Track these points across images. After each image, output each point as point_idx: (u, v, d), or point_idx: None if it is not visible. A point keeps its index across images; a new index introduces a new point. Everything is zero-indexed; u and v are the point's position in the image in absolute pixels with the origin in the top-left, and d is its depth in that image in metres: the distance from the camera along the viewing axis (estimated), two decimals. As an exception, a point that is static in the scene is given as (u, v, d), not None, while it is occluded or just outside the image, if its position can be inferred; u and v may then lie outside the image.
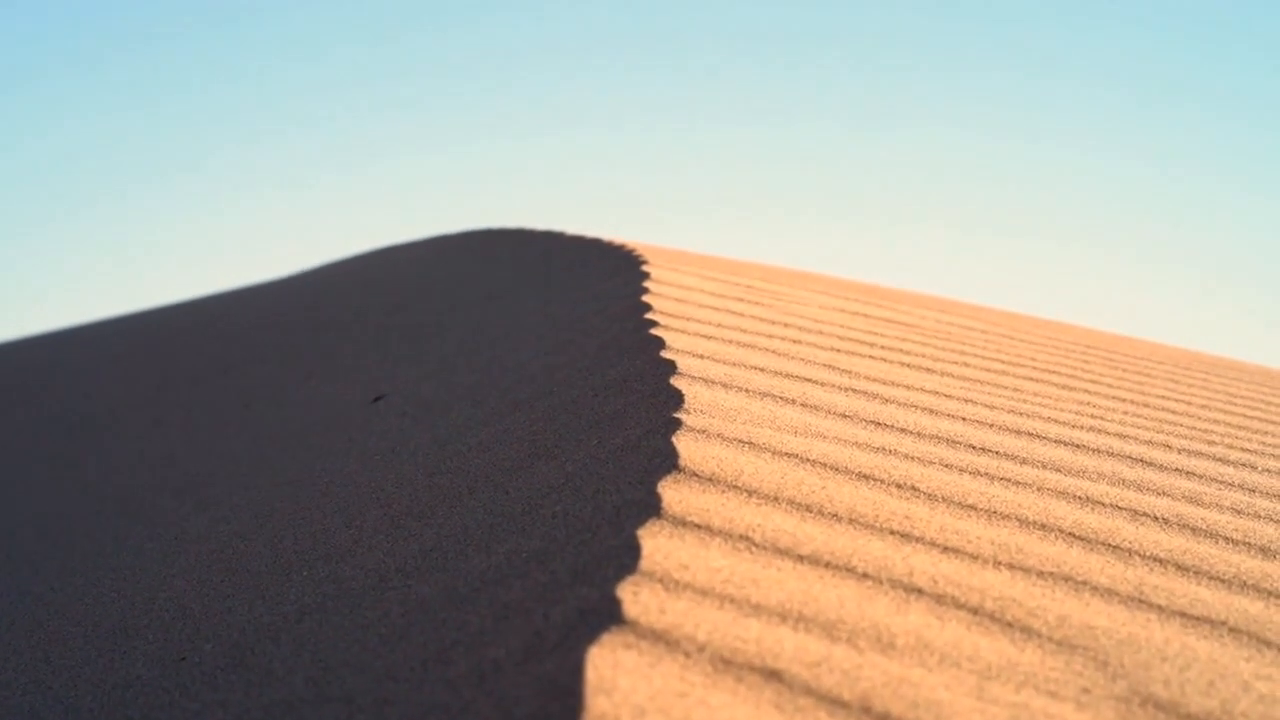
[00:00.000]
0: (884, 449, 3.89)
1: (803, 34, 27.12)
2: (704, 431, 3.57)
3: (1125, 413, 5.45)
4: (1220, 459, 4.82)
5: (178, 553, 4.93)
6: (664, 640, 2.30)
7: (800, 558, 2.83)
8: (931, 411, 4.60)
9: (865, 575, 2.82)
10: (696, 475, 3.18)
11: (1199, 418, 5.70)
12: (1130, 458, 4.53)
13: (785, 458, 3.51)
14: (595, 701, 2.07)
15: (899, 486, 3.52)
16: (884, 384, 4.94)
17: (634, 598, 2.44)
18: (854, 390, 4.69)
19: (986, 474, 3.86)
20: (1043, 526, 3.47)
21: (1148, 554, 3.44)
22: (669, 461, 3.26)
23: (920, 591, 2.81)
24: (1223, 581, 3.37)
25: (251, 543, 4.55)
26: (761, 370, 4.66)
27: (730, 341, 5.11)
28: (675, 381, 4.14)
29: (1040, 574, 3.10)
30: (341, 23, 28.42)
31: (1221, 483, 4.42)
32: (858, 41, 27.22)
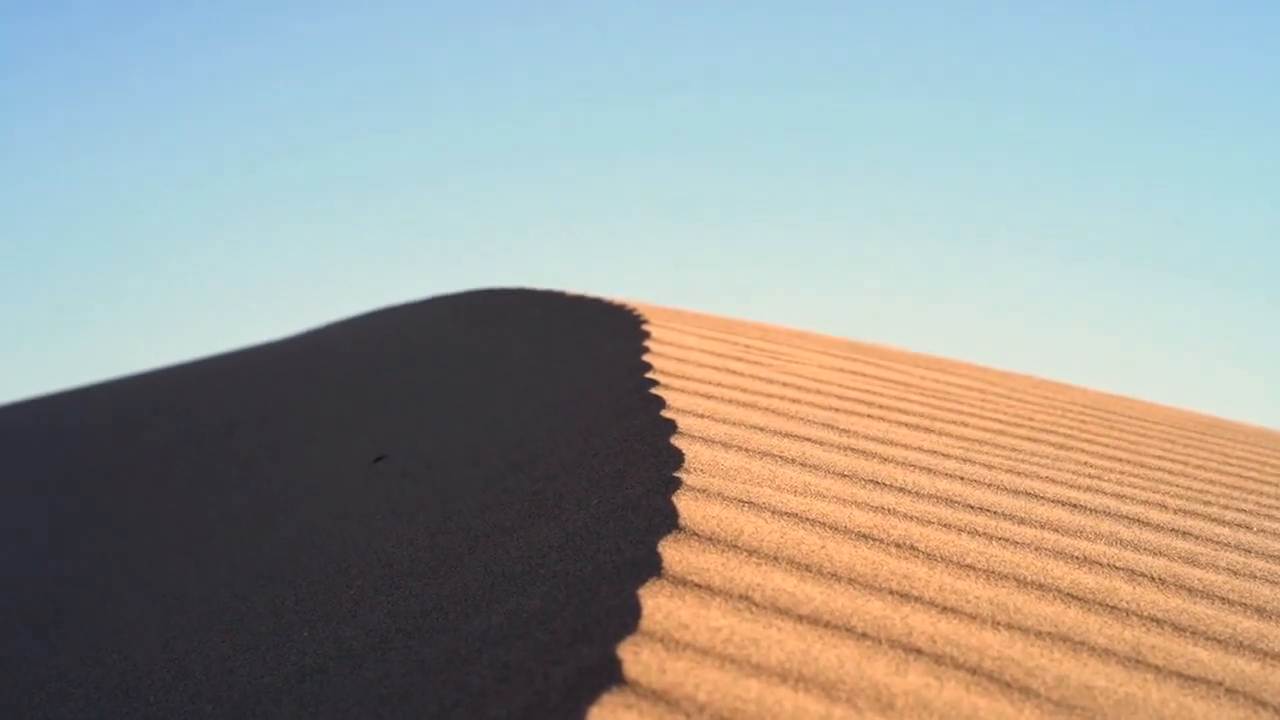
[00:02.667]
0: (883, 508, 3.91)
1: (800, 89, 27.25)
2: (704, 491, 3.59)
3: (1122, 473, 5.48)
4: (1216, 519, 4.84)
5: (179, 613, 4.94)
6: (664, 700, 2.32)
7: (800, 617, 2.85)
8: (930, 471, 4.62)
9: (864, 635, 2.84)
10: (697, 535, 3.20)
11: (1195, 478, 5.72)
12: (1127, 518, 4.54)
13: (785, 517, 3.53)
14: (597, 761, 2.08)
15: (898, 546, 3.54)
16: (883, 443, 4.96)
17: (634, 657, 2.46)
18: (853, 449, 4.71)
19: (985, 534, 3.88)
20: (1041, 586, 3.48)
21: (1145, 614, 3.46)
22: (669, 521, 3.28)
23: (919, 651, 2.82)
24: (1219, 642, 3.39)
25: (252, 603, 4.56)
26: (761, 429, 4.69)
27: (730, 401, 5.14)
28: (675, 441, 4.17)
29: (1038, 634, 3.12)
30: (340, 79, 28.56)
31: (1217, 543, 4.44)
32: (854, 98, 27.35)
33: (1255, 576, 4.05)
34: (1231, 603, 3.73)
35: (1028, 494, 4.59)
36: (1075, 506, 4.55)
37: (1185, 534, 4.48)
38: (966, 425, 5.87)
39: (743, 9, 26.75)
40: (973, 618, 3.11)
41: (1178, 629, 3.41)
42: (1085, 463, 5.54)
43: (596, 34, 27.04)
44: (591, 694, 2.32)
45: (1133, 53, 26.93)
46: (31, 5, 28.70)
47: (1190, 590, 3.77)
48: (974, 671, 2.79)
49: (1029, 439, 5.88)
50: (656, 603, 2.74)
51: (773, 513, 3.55)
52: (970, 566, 3.51)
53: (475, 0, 27.31)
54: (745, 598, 2.88)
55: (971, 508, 4.19)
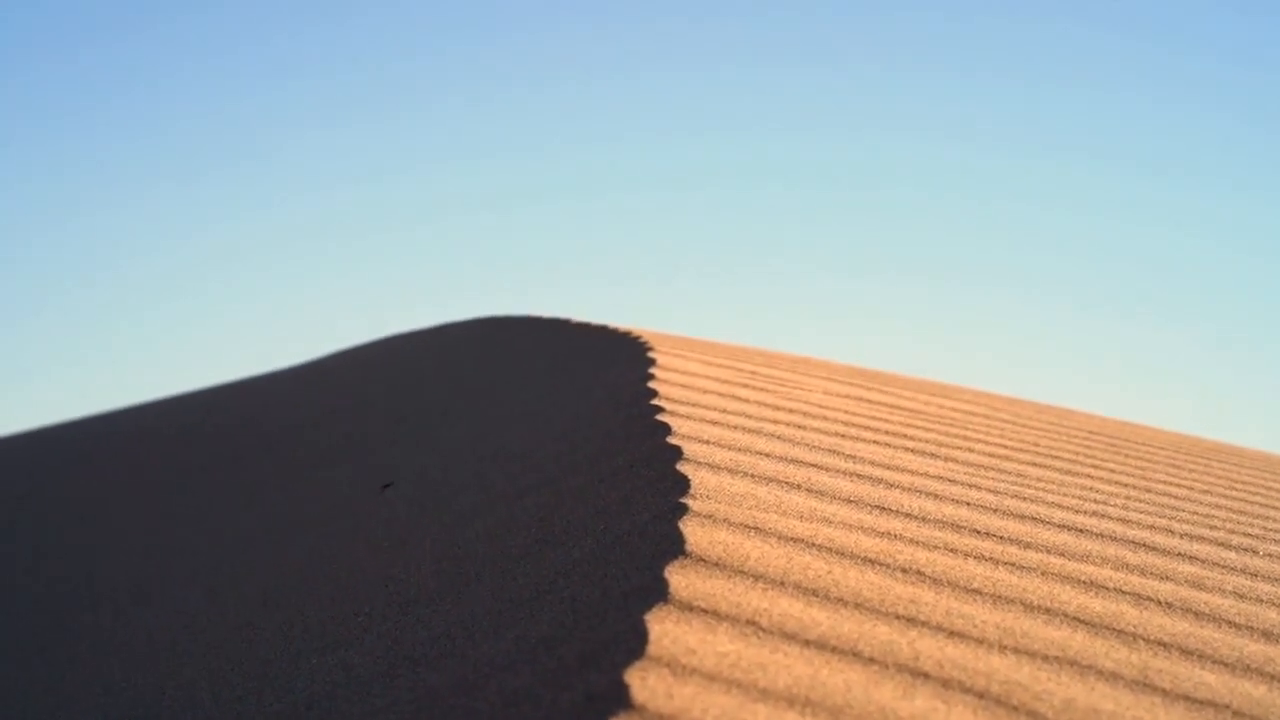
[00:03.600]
0: (889, 534, 3.92)
1: (803, 116, 27.31)
2: (710, 517, 3.60)
3: (1128, 498, 5.48)
4: (1222, 544, 4.85)
5: (187, 641, 4.95)
6: (672, 724, 2.33)
7: (807, 642, 2.86)
8: (936, 496, 4.63)
9: (871, 660, 2.84)
10: (703, 560, 3.21)
11: (1201, 502, 5.73)
12: (1133, 542, 4.55)
13: (791, 542, 3.54)
14: (605, 785, 2.09)
15: (904, 571, 3.54)
16: (888, 469, 4.96)
17: (642, 683, 2.47)
18: (859, 475, 4.72)
19: (991, 558, 3.89)
20: (1048, 611, 3.49)
21: (1152, 638, 3.46)
22: (676, 547, 3.28)
23: (926, 676, 2.83)
24: (1226, 666, 3.39)
25: (260, 630, 4.57)
26: (767, 455, 4.70)
27: (736, 427, 5.15)
28: (681, 467, 4.17)
29: (1045, 658, 3.12)
30: (348, 108, 28.64)
31: (1224, 567, 4.44)
32: (857, 128, 27.40)
33: (1262, 600, 4.06)
34: (1238, 626, 3.74)
35: (1033, 519, 4.60)
36: (1081, 531, 4.55)
37: (1191, 558, 4.49)
38: (972, 451, 5.88)
39: (751, 41, 26.81)
40: (980, 642, 3.12)
41: (1185, 653, 3.41)
42: (1091, 488, 5.54)
43: (607, 62, 27.11)
44: (599, 719, 2.33)
45: (1147, 78, 26.97)
46: (35, 25, 28.81)
47: (1197, 614, 3.77)
48: (981, 696, 2.79)
49: (1034, 464, 5.88)
50: (663, 628, 2.75)
51: (779, 538, 3.56)
52: (977, 591, 3.51)
53: (484, 30, 27.38)
54: (752, 623, 2.89)
55: (978, 532, 4.19)
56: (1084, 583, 3.83)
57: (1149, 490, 5.79)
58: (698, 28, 26.85)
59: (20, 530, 9.26)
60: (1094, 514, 4.92)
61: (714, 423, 5.15)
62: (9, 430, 15.20)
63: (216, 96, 29.06)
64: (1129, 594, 3.82)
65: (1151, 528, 4.88)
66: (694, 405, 5.48)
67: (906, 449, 5.55)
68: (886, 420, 6.26)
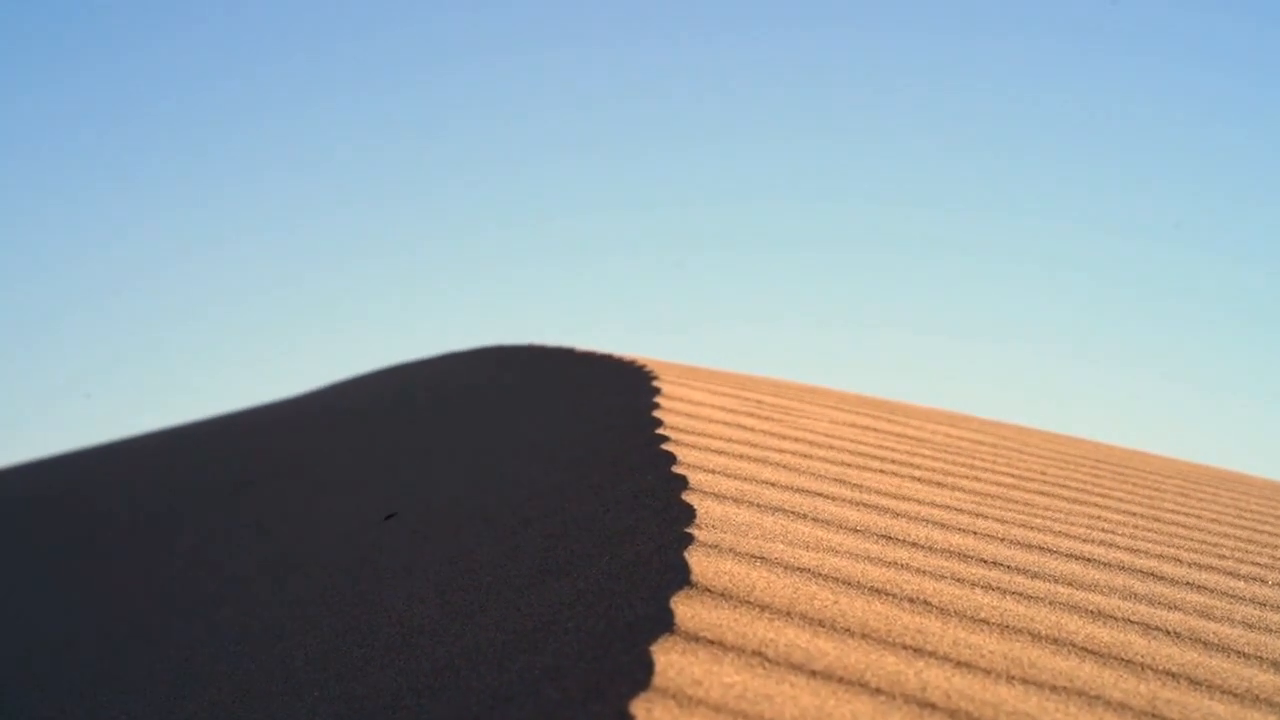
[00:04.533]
0: (896, 563, 3.90)
1: (807, 144, 27.35)
2: (716, 547, 3.58)
3: (1136, 527, 5.46)
4: (1231, 573, 4.82)
5: (189, 674, 4.92)
6: (678, 757, 2.31)
7: (813, 673, 2.84)
8: (943, 526, 4.61)
9: (879, 690, 2.82)
10: (709, 591, 3.19)
11: (1209, 532, 5.70)
12: (1141, 572, 4.52)
13: (797, 572, 3.52)
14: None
15: (911, 601, 3.52)
16: (895, 498, 4.95)
17: (647, 714, 2.45)
18: (865, 505, 4.70)
19: (999, 588, 3.86)
20: (1055, 641, 3.47)
21: (1160, 668, 3.44)
22: (681, 577, 3.27)
23: (934, 707, 2.81)
24: (1236, 696, 3.37)
25: (262, 663, 4.54)
26: (773, 485, 4.68)
27: (741, 456, 5.13)
28: (687, 497, 4.16)
29: (1053, 689, 3.10)
30: (350, 135, 28.70)
31: (1233, 597, 4.42)
32: (863, 155, 27.44)
33: (1271, 630, 4.03)
34: (1247, 656, 3.71)
35: (1041, 548, 4.57)
36: (1089, 561, 4.53)
37: (1200, 588, 4.46)
38: (979, 480, 5.86)
39: (758, 66, 26.86)
40: (987, 673, 3.10)
41: (1193, 683, 3.38)
42: (1099, 517, 5.52)
43: (609, 88, 27.17)
44: (604, 751, 2.31)
45: (1158, 107, 27.01)
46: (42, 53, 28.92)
47: (1206, 644, 3.75)
48: (989, 727, 2.77)
49: (1042, 493, 5.86)
50: (669, 659, 2.73)
51: (785, 568, 3.54)
52: (984, 621, 3.49)
53: (488, 56, 27.45)
54: (758, 654, 2.87)
55: (985, 562, 4.17)
56: (1092, 612, 3.81)
57: (1157, 519, 5.77)
58: (708, 51, 26.92)
59: (16, 566, 9.25)
60: (1102, 543, 4.90)
61: (719, 452, 5.14)
62: (4, 463, 15.21)
63: (218, 121, 29.13)
64: (1137, 624, 3.79)
65: (1160, 557, 4.85)
66: (699, 434, 5.47)
67: (913, 478, 5.53)
68: (893, 449, 6.24)
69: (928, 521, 4.64)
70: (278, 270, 28.77)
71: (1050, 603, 3.82)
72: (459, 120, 27.67)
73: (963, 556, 4.19)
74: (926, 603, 3.54)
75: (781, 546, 3.78)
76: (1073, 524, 5.21)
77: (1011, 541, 4.59)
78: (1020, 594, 3.85)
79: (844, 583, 3.54)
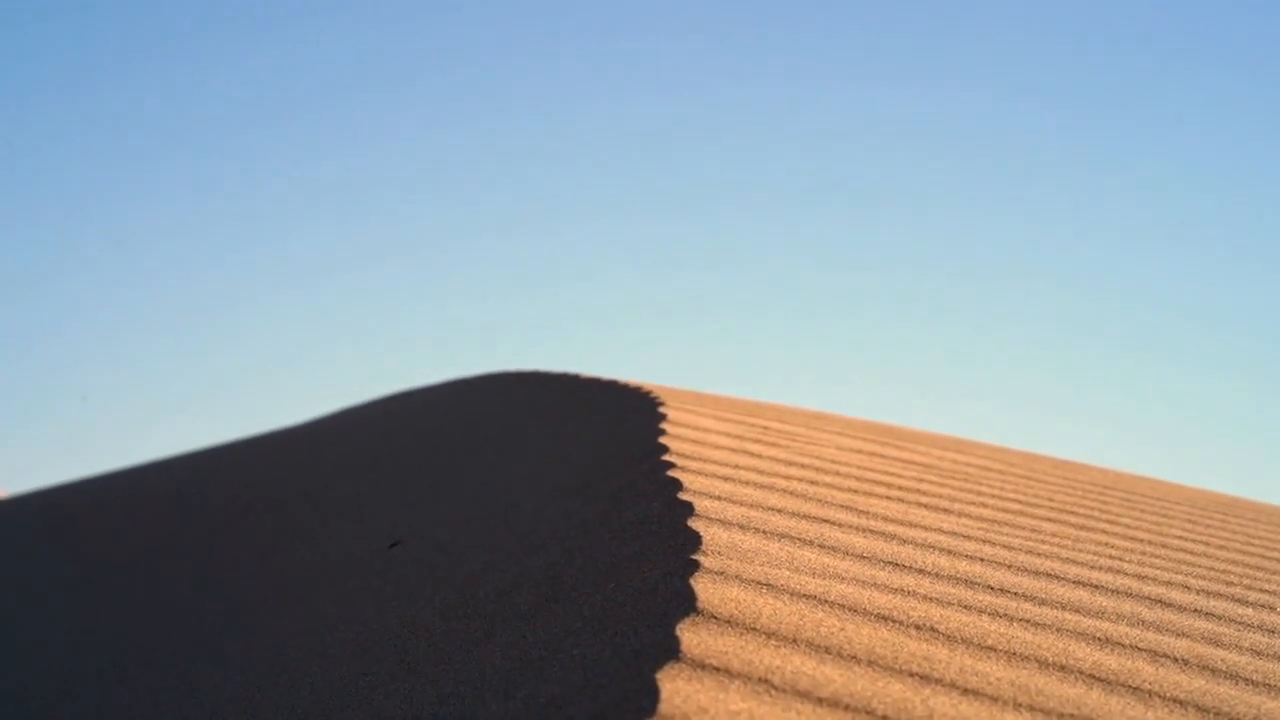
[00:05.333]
0: (903, 590, 3.89)
1: (810, 174, 27.39)
2: (722, 573, 3.57)
3: (1144, 554, 5.44)
4: (1239, 600, 4.81)
5: (193, 704, 4.91)
6: (684, 785, 2.30)
7: (820, 700, 2.83)
8: (949, 552, 4.60)
9: (885, 718, 2.81)
10: (715, 617, 3.18)
11: (1217, 559, 5.69)
12: (1149, 599, 4.51)
13: (804, 599, 3.51)
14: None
15: (918, 628, 3.51)
16: (902, 525, 4.94)
17: (653, 742, 2.44)
18: (872, 531, 4.69)
19: (1006, 615, 3.85)
20: (1063, 668, 3.45)
21: (1168, 695, 3.42)
22: (687, 604, 3.26)
23: (941, 734, 2.79)
24: (1246, 723, 3.35)
25: (267, 693, 4.53)
26: (779, 512, 4.67)
27: (747, 483, 5.12)
28: (693, 523, 4.15)
29: (1061, 716, 3.09)
30: (357, 162, 28.77)
31: (1240, 624, 4.40)
32: (866, 183, 27.48)
33: (1279, 657, 4.02)
34: (1256, 684, 3.70)
35: (1048, 575, 4.56)
36: (1097, 587, 4.52)
37: (1208, 615, 4.45)
38: (986, 506, 5.84)
39: (764, 92, 26.92)
40: (994, 700, 3.08)
41: (1201, 710, 3.37)
42: (1106, 543, 5.51)
43: (617, 113, 27.22)
44: (609, 779, 2.29)
45: (1165, 137, 27.05)
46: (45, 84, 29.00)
47: (1214, 671, 3.73)
48: (997, 755, 2.76)
49: (1049, 520, 5.85)
50: (675, 686, 2.72)
51: (791, 595, 3.53)
52: (991, 648, 3.48)
53: (496, 84, 27.52)
54: (765, 680, 2.86)
55: (992, 589, 4.16)
56: (1099, 639, 3.79)
57: (1165, 546, 5.75)
58: (716, 78, 26.97)
59: (25, 594, 9.24)
60: (1109, 570, 4.88)
61: (726, 478, 5.13)
62: (12, 489, 15.21)
63: (217, 144, 29.20)
64: (1145, 651, 3.78)
65: (1167, 584, 4.84)
66: (705, 461, 5.46)
67: (920, 504, 5.52)
68: (900, 475, 6.23)
69: (935, 548, 4.63)
70: (285, 299, 28.79)
71: (1058, 629, 3.81)
72: (466, 148, 27.71)
73: (970, 583, 4.18)
74: (933, 629, 3.52)
75: (787, 573, 3.77)
76: (1080, 550, 5.19)
77: (1018, 568, 4.58)
78: (1027, 621, 3.84)
79: (850, 609, 3.53)
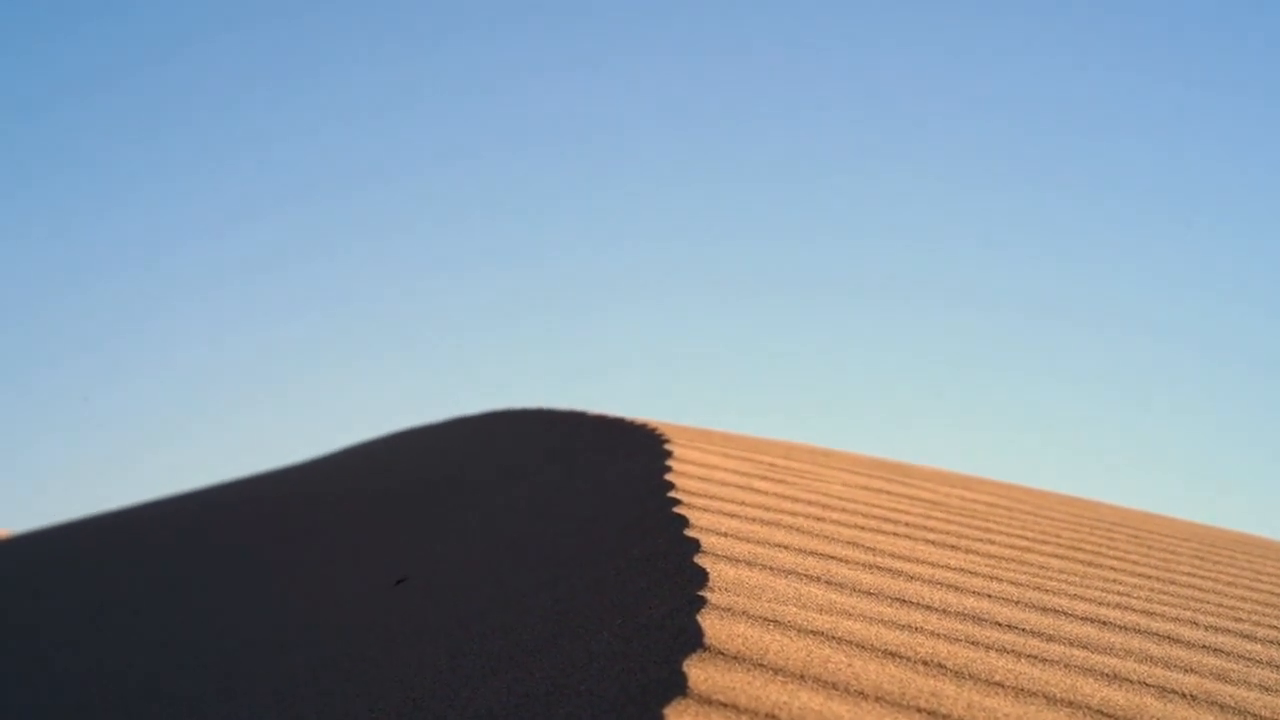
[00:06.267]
0: (910, 626, 3.88)
1: (819, 208, 27.44)
2: (729, 610, 3.56)
3: (1151, 590, 5.43)
4: (1247, 636, 4.79)
5: (200, 737, 4.90)
6: (691, 821, 2.29)
7: (827, 737, 2.82)
8: (957, 588, 4.59)
9: (893, 754, 2.80)
10: (722, 654, 3.17)
11: (1225, 595, 5.67)
12: (1157, 635, 4.50)
13: (811, 635, 3.50)
14: None
15: (926, 664, 3.50)
16: (908, 561, 4.93)
17: (660, 778, 2.43)
18: (879, 567, 4.68)
19: (1013, 651, 3.84)
20: (1071, 704, 3.44)
21: (1178, 732, 3.41)
22: (694, 640, 3.25)
23: (949, 771, 2.78)
24: (1255, 759, 3.34)
25: (274, 726, 4.52)
26: (786, 548, 4.67)
27: (754, 519, 5.12)
28: (699, 560, 4.15)
29: (1070, 752, 3.07)
30: (361, 200, 28.85)
31: (1249, 660, 4.39)
32: (872, 217, 27.53)
33: (1289, 693, 4.00)
34: (1264, 719, 3.68)
35: (1056, 611, 4.55)
36: (1104, 624, 4.51)
37: (1217, 651, 4.43)
38: (993, 543, 5.83)
39: (769, 128, 26.99)
40: (1003, 736, 3.07)
41: (1212, 747, 3.36)
42: (1114, 580, 5.50)
43: (620, 149, 27.29)
44: (617, 815, 2.29)
45: (1167, 171, 27.09)
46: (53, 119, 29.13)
47: (1222, 707, 3.72)
48: (1006, 791, 2.74)
49: (1056, 556, 5.84)
50: (682, 722, 2.71)
51: (799, 631, 3.52)
52: (999, 684, 3.47)
53: (500, 120, 27.60)
54: (772, 716, 2.85)
55: (999, 625, 4.15)
56: (1107, 675, 3.78)
57: (1172, 582, 5.74)
58: (720, 108, 27.04)
59: (31, 629, 9.23)
60: (1117, 606, 4.87)
61: (732, 515, 5.12)
62: (14, 529, 15.22)
63: (218, 181, 29.29)
64: (1153, 687, 3.77)
65: (1176, 620, 4.83)
66: (711, 497, 5.46)
67: (927, 541, 5.51)
68: (906, 512, 6.22)
69: (942, 585, 4.62)
70: (289, 338, 28.82)
71: (1065, 666, 3.80)
72: (473, 182, 27.77)
73: (977, 620, 4.17)
74: (941, 666, 3.52)
75: (795, 610, 3.76)
76: (1088, 587, 5.18)
77: (1026, 605, 4.57)
78: (1035, 657, 3.83)
79: (858, 646, 3.52)
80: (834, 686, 3.14)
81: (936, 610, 4.19)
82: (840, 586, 4.24)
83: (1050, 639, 4.11)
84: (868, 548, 5.04)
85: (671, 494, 5.39)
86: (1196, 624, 4.83)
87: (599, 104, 27.01)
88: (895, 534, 5.51)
